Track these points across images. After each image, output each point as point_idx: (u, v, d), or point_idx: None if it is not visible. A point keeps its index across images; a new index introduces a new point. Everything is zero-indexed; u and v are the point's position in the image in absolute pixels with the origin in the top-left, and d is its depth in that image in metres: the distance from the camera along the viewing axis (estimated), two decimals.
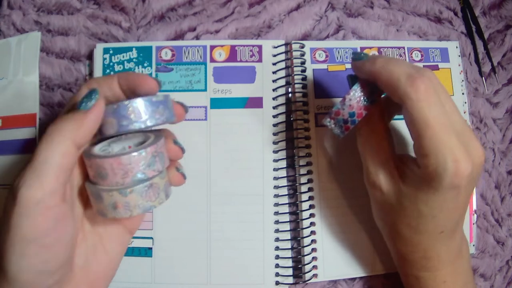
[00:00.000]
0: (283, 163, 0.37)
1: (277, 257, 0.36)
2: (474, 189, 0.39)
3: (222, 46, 0.38)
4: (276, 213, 0.36)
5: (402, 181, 0.27)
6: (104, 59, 0.38)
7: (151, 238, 0.36)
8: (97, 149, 0.25)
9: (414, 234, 0.28)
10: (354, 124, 0.28)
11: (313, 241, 0.36)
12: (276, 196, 0.37)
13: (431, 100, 0.24)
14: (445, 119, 0.25)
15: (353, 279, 0.37)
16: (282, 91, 0.38)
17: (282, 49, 0.38)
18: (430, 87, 0.24)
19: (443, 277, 0.29)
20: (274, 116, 0.37)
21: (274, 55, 0.38)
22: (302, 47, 0.38)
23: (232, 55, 0.38)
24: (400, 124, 0.37)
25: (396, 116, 0.34)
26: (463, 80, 0.39)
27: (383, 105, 0.30)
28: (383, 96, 0.29)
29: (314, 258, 0.36)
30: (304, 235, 0.36)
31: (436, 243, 0.28)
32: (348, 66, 0.38)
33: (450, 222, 0.27)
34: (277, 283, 0.36)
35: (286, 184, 0.37)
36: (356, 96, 0.27)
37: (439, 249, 0.28)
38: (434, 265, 0.29)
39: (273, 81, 0.38)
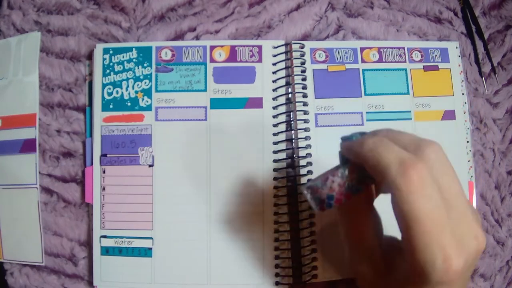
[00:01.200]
0: (283, 163, 0.37)
1: (277, 257, 0.36)
2: (474, 197, 0.39)
3: (222, 46, 0.38)
4: (276, 213, 0.36)
5: (388, 274, 0.25)
6: (104, 59, 0.38)
7: (151, 238, 0.36)
8: None
9: None
10: (330, 207, 0.25)
11: (313, 241, 0.36)
12: (276, 196, 0.37)
13: (425, 192, 0.21)
14: (439, 212, 0.21)
15: (353, 279, 0.37)
16: (282, 91, 0.38)
17: (282, 49, 0.38)
18: (426, 176, 0.21)
19: None
20: (274, 116, 0.37)
21: (274, 55, 0.38)
22: (302, 47, 0.38)
23: (232, 55, 0.38)
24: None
25: None
26: (463, 81, 0.39)
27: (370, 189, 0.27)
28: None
29: (313, 259, 0.36)
30: (304, 236, 0.36)
31: None
32: (348, 66, 0.38)
33: None
34: (276, 283, 0.36)
35: (286, 184, 0.37)
36: (340, 179, 0.24)
37: None
38: None
39: (273, 81, 0.38)
